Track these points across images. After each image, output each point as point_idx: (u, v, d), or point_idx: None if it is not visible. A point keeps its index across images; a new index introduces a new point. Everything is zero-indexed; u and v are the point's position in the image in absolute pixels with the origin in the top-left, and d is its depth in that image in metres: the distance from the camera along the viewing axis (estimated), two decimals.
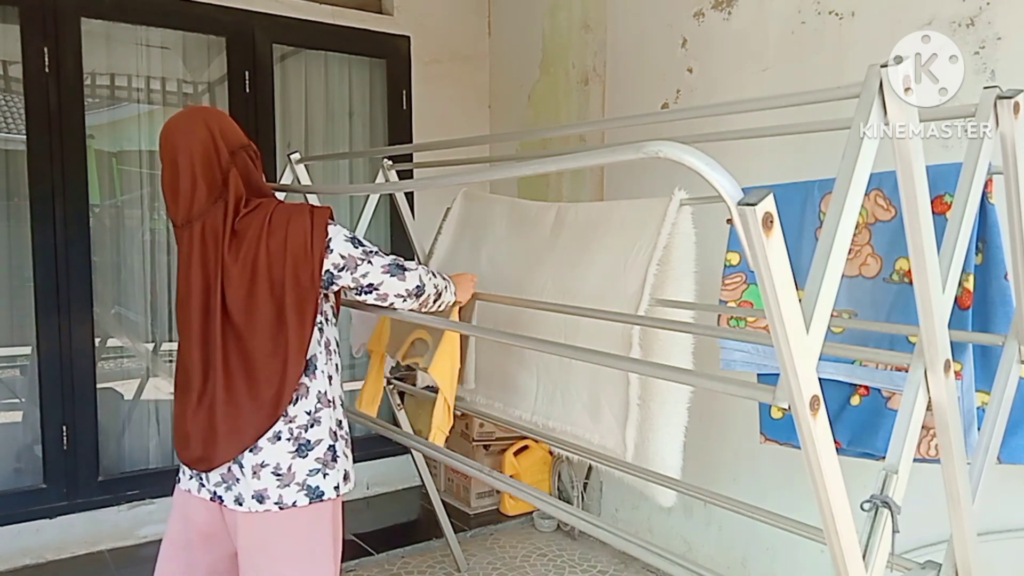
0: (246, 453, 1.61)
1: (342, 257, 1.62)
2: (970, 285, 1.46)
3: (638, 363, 1.68)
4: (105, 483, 3.26)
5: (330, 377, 1.71)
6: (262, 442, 1.61)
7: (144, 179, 3.44)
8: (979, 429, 1.41)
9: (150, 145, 3.44)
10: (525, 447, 3.56)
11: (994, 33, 2.07)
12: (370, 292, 1.66)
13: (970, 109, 1.22)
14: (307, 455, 1.64)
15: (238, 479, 1.63)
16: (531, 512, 3.57)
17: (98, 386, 3.24)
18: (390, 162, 2.80)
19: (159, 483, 3.10)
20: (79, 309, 3.18)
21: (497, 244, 2.35)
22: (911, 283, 1.14)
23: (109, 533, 3.22)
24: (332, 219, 1.65)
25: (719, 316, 1.93)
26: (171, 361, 3.46)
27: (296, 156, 2.63)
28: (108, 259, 3.34)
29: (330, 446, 1.67)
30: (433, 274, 1.80)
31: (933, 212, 1.11)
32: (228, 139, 1.66)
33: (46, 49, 3.06)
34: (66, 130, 3.12)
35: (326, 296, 1.72)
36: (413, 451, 3.06)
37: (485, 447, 3.62)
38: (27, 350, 3.19)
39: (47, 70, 3.06)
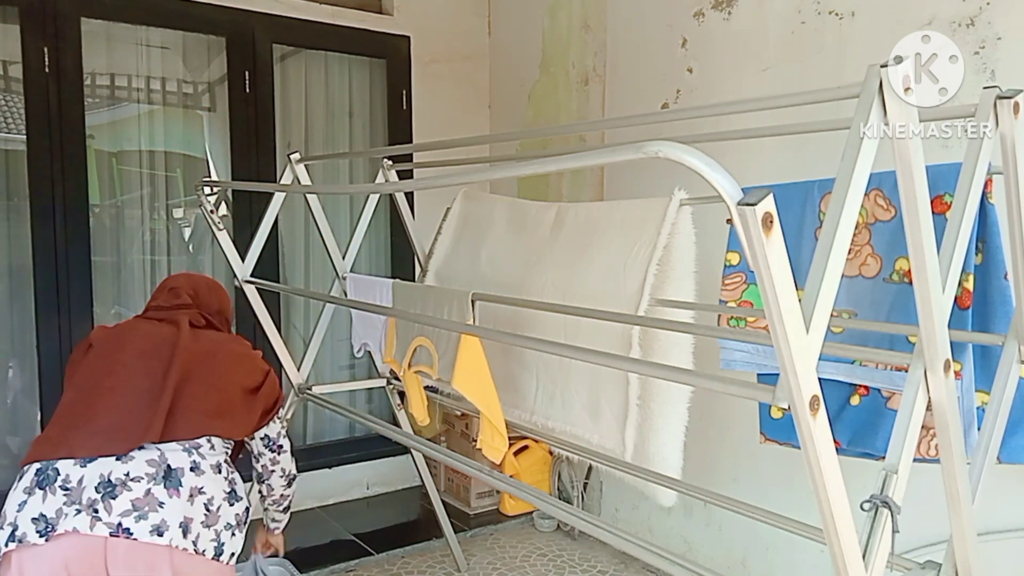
0: (187, 470, 1.53)
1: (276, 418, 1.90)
2: (970, 285, 1.46)
3: (638, 363, 1.68)
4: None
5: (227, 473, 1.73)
6: (205, 466, 1.57)
7: (144, 179, 3.44)
8: (979, 429, 1.41)
9: (150, 145, 3.44)
10: (525, 447, 3.56)
11: (994, 33, 2.07)
12: (272, 450, 1.90)
13: (970, 109, 1.22)
14: (234, 504, 1.60)
15: (162, 503, 1.46)
16: (531, 512, 3.57)
17: None
18: (390, 162, 2.80)
19: None
20: (79, 309, 3.18)
21: (497, 244, 2.35)
22: (911, 283, 1.14)
23: None
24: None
25: (719, 316, 1.93)
26: None
27: (296, 156, 2.64)
28: (108, 259, 3.34)
29: (246, 509, 1.65)
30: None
31: (933, 212, 1.11)
32: (224, 307, 2.03)
33: (46, 49, 3.06)
34: (66, 130, 3.12)
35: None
36: (413, 451, 3.06)
37: None
38: (27, 350, 3.19)
39: (47, 70, 3.06)
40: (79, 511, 1.41)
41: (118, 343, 1.75)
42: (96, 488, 1.43)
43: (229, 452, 1.73)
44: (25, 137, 3.07)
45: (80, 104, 3.15)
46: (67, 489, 1.44)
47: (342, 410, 2.67)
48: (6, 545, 1.43)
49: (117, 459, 1.48)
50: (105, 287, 3.32)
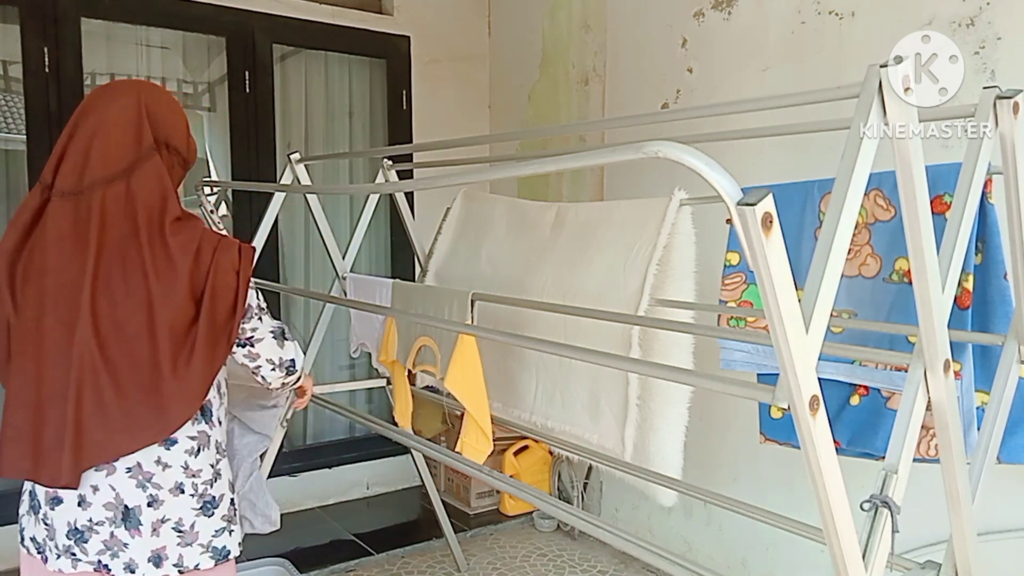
0: (144, 507, 1.39)
1: (246, 305, 1.48)
2: (969, 285, 1.46)
3: (638, 363, 1.68)
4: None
5: (220, 421, 1.53)
6: (164, 494, 1.40)
7: None
8: (979, 429, 1.41)
9: None
10: (525, 447, 3.56)
11: (994, 33, 2.07)
12: (244, 346, 1.52)
13: (970, 109, 1.22)
14: (212, 513, 1.46)
15: (126, 544, 1.39)
16: (531, 512, 3.57)
17: None
18: (390, 162, 2.80)
19: None
20: None
21: (497, 244, 2.35)
22: (911, 283, 1.14)
23: None
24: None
25: (719, 316, 1.93)
26: None
27: (296, 156, 2.64)
28: None
29: (231, 499, 1.52)
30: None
31: (933, 212, 1.11)
32: (158, 126, 1.42)
33: (46, 49, 3.06)
34: None
35: None
36: (413, 451, 3.07)
37: None
38: None
39: (47, 70, 3.06)
40: (59, 555, 1.42)
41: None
42: (67, 535, 1.41)
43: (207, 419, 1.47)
44: (25, 137, 3.07)
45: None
46: (47, 525, 1.43)
47: (342, 410, 2.67)
48: (22, 543, 1.48)
49: (78, 504, 1.39)
50: None
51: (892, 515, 1.11)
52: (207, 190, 2.54)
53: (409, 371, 2.33)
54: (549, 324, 1.99)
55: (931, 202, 1.10)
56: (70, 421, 1.33)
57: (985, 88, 1.21)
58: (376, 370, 2.95)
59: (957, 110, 1.23)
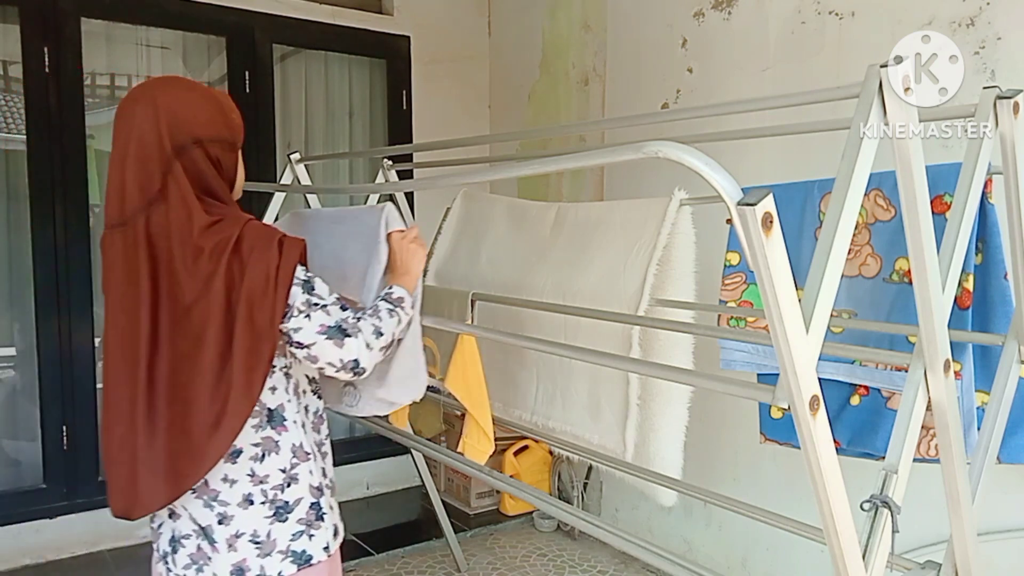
0: (215, 525, 1.38)
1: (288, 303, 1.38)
2: (970, 285, 1.46)
3: (638, 363, 1.68)
4: (105, 483, 3.26)
5: (303, 425, 1.47)
6: (233, 509, 1.38)
7: None
8: (979, 429, 1.41)
9: None
10: (525, 447, 3.56)
11: (994, 33, 2.07)
12: (300, 348, 1.39)
13: (970, 109, 1.22)
14: (287, 518, 1.41)
15: (210, 557, 1.39)
16: (531, 512, 3.57)
17: (98, 386, 3.24)
18: (390, 162, 2.80)
19: None
20: (79, 309, 3.18)
21: (497, 244, 2.35)
22: (911, 283, 1.14)
23: (109, 533, 3.21)
24: (304, 259, 1.40)
25: (719, 316, 1.93)
26: None
27: (296, 156, 2.63)
28: None
29: (312, 503, 1.45)
30: (380, 316, 1.50)
31: (933, 212, 1.11)
32: (178, 127, 1.35)
33: (46, 49, 3.06)
34: (66, 130, 3.12)
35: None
36: (413, 451, 3.06)
37: None
38: (27, 349, 3.19)
39: (47, 70, 3.06)
40: (159, 560, 1.47)
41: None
42: (168, 542, 1.45)
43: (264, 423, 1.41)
44: (25, 137, 3.07)
45: (80, 104, 3.15)
46: (154, 529, 1.48)
47: None
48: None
49: (169, 516, 1.43)
50: None
51: (892, 515, 1.11)
52: None
53: None
54: (549, 324, 1.99)
55: (931, 202, 1.10)
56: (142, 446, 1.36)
57: (985, 88, 1.22)
58: None
59: (957, 110, 1.24)
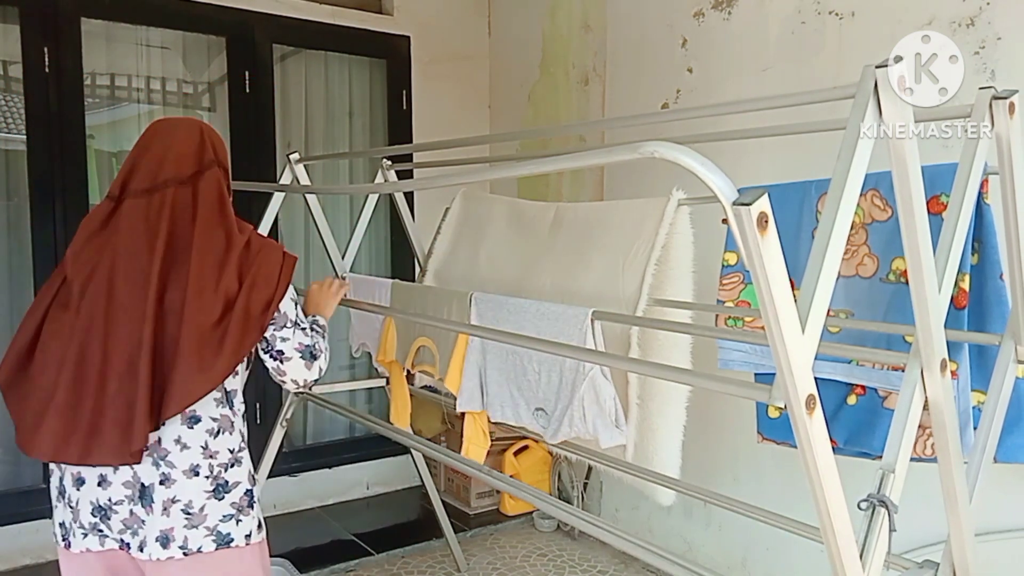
0: (157, 486, 1.45)
1: (279, 312, 1.55)
2: (966, 285, 1.46)
3: (637, 363, 1.68)
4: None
5: (243, 416, 1.59)
6: (176, 474, 1.46)
7: None
8: (975, 428, 1.41)
9: None
10: (525, 447, 3.56)
11: (994, 33, 2.07)
12: (274, 358, 1.57)
13: (969, 109, 1.23)
14: (223, 497, 1.50)
15: (143, 520, 1.46)
16: (531, 512, 3.57)
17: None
18: (390, 162, 2.80)
19: None
20: None
21: (496, 244, 2.35)
22: (907, 283, 1.15)
23: None
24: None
25: (717, 316, 1.94)
26: None
27: (296, 156, 2.64)
28: None
29: (248, 491, 1.54)
30: (322, 336, 1.71)
31: (929, 212, 1.11)
32: (216, 148, 1.60)
33: (46, 49, 3.06)
34: (66, 130, 3.12)
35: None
36: (413, 451, 3.07)
37: None
38: None
39: (47, 70, 3.07)
40: (85, 534, 1.50)
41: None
42: (92, 513, 1.49)
43: (227, 399, 1.53)
44: (25, 137, 3.07)
45: (80, 104, 3.15)
46: (72, 507, 1.51)
47: (342, 410, 2.67)
48: (54, 535, 1.57)
49: (98, 484, 1.47)
50: None
51: (889, 514, 1.11)
52: None
53: (408, 371, 2.33)
54: None
55: (928, 202, 1.11)
56: (143, 385, 1.41)
57: (981, 88, 1.22)
58: (376, 370, 2.95)
59: (956, 110, 1.24)
